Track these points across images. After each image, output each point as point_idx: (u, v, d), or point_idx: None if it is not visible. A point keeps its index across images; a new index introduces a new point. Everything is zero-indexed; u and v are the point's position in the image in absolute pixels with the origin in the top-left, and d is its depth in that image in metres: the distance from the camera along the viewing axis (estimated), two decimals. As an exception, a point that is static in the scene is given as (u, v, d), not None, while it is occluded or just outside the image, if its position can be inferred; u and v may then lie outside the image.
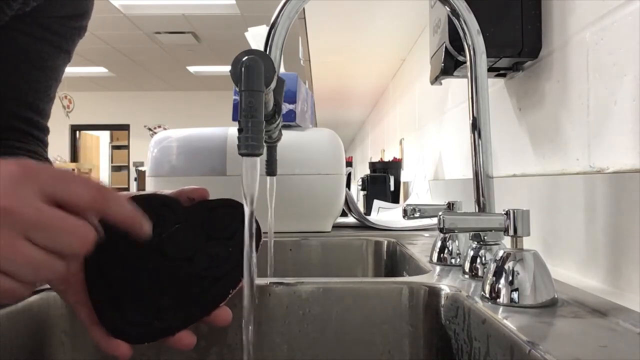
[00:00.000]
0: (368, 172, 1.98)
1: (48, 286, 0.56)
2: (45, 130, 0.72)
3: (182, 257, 0.50)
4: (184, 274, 0.49)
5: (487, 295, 0.49)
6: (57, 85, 0.72)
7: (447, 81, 1.07)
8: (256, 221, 0.51)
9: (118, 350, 0.47)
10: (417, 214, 0.75)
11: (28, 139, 0.69)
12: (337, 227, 1.24)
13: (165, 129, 1.89)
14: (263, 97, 0.41)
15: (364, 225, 1.23)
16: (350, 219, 1.32)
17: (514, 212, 0.51)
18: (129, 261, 0.49)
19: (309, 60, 2.28)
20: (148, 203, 0.52)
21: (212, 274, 0.49)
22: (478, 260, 0.61)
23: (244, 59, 0.41)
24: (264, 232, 0.55)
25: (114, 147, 11.89)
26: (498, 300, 0.48)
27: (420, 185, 1.64)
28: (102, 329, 0.47)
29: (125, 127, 11.18)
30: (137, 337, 0.47)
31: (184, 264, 0.49)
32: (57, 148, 10.20)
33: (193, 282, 0.49)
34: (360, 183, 1.88)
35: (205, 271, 0.49)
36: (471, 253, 0.62)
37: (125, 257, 0.49)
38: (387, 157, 2.74)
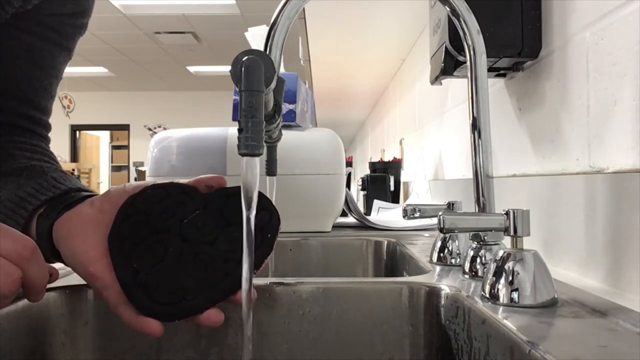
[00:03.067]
0: (368, 172, 1.98)
1: (48, 286, 0.56)
2: (48, 127, 0.72)
3: (203, 241, 0.51)
4: (207, 257, 0.51)
5: (487, 295, 0.49)
6: (58, 83, 0.72)
7: (447, 81, 1.07)
8: (274, 207, 0.52)
9: (149, 328, 0.49)
10: (417, 214, 0.75)
11: (31, 135, 0.69)
12: (337, 227, 1.24)
13: (165, 129, 1.89)
14: (263, 97, 0.41)
15: (364, 225, 1.23)
16: (350, 219, 1.32)
17: (514, 212, 0.51)
18: (151, 245, 0.51)
19: (309, 60, 2.28)
20: (167, 190, 0.53)
21: (235, 257, 0.50)
22: (478, 260, 0.61)
23: (244, 59, 0.41)
24: None
25: (114, 147, 11.89)
26: (498, 300, 0.48)
27: (420, 185, 1.64)
28: (131, 308, 0.49)
29: (125, 127, 11.18)
30: (166, 315, 0.49)
31: (205, 248, 0.51)
32: (57, 148, 10.13)
33: (217, 265, 0.50)
34: (360, 183, 1.88)
35: (227, 254, 0.51)
36: (471, 253, 0.62)
37: (147, 242, 0.51)
38: (387, 157, 2.74)
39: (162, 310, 0.49)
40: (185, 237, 0.51)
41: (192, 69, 8.92)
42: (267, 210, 0.52)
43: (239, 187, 0.53)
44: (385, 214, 1.54)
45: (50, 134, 0.74)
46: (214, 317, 0.50)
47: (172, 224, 0.52)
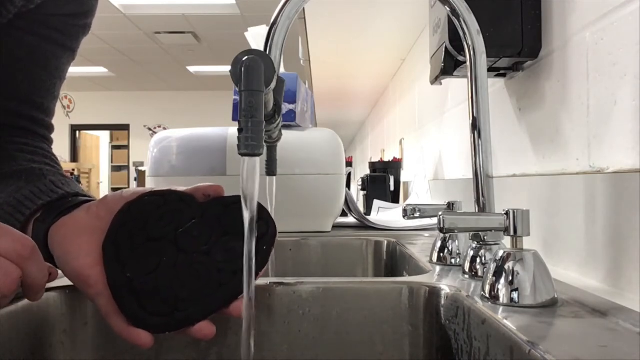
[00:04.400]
0: (368, 172, 1.98)
1: (47, 286, 0.56)
2: (50, 128, 0.72)
3: (198, 250, 0.51)
4: (202, 267, 0.50)
5: (487, 295, 0.49)
6: (62, 84, 0.72)
7: (447, 81, 1.07)
8: (271, 218, 0.52)
9: (140, 339, 0.48)
10: (417, 214, 0.75)
11: (33, 136, 0.69)
12: (337, 227, 1.24)
13: (165, 129, 1.89)
14: (263, 97, 0.41)
15: (364, 225, 1.23)
16: (350, 219, 1.32)
17: (514, 212, 0.51)
18: (146, 254, 0.50)
19: (309, 60, 2.28)
20: (165, 198, 0.53)
21: (230, 267, 0.50)
22: (478, 260, 0.61)
23: (244, 59, 0.41)
24: None
25: (114, 147, 11.89)
26: (498, 300, 0.48)
27: (420, 185, 1.64)
28: (122, 318, 0.49)
29: (125, 127, 11.17)
30: (157, 327, 0.49)
31: (200, 258, 0.50)
32: (57, 148, 10.01)
33: (211, 275, 0.50)
34: (360, 183, 1.88)
35: (222, 264, 0.50)
36: (471, 253, 0.62)
37: (142, 250, 0.51)
38: (387, 157, 2.74)
39: (154, 321, 0.48)
40: (181, 246, 0.51)
41: (192, 69, 8.92)
42: (264, 220, 0.51)
43: (237, 196, 0.53)
44: (385, 214, 1.54)
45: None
46: (205, 329, 0.49)
47: (167, 232, 0.51)
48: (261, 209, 0.51)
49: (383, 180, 1.84)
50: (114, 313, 0.49)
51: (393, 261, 1.02)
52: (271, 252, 0.51)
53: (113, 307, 0.49)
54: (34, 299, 0.47)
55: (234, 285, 0.49)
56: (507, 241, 0.53)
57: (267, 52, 0.53)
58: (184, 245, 0.51)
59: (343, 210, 1.22)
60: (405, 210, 0.75)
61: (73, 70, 0.72)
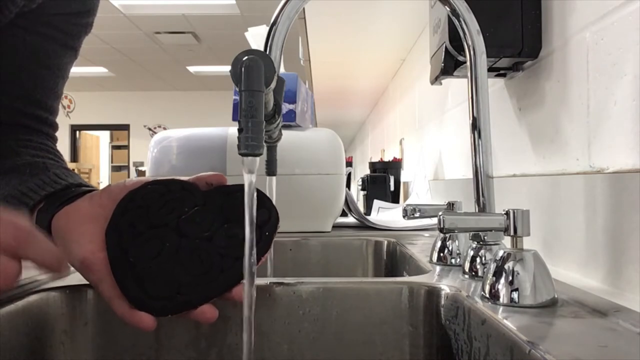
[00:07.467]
0: (368, 172, 1.98)
1: (47, 286, 0.56)
2: (54, 126, 0.73)
3: (200, 236, 0.51)
4: (204, 253, 0.50)
5: (487, 295, 0.49)
6: (64, 82, 0.72)
7: (447, 81, 1.07)
8: (273, 206, 0.52)
9: (142, 322, 0.49)
10: (417, 214, 0.75)
11: (38, 134, 0.70)
12: (337, 227, 1.24)
13: (165, 129, 1.89)
14: (263, 97, 0.41)
15: (364, 225, 1.23)
16: (350, 219, 1.32)
17: (514, 212, 0.51)
18: (148, 240, 0.51)
19: (309, 60, 2.28)
20: (167, 186, 0.53)
21: (232, 253, 0.50)
22: (478, 260, 0.61)
23: (244, 59, 0.41)
24: None
25: (114, 147, 11.89)
26: (498, 300, 0.48)
27: (420, 185, 1.64)
28: (125, 302, 0.49)
29: (125, 127, 11.17)
30: (160, 310, 0.49)
31: (203, 244, 0.51)
32: (58, 148, 10.16)
33: (213, 261, 0.50)
34: (360, 183, 1.88)
35: (224, 250, 0.51)
36: (471, 253, 0.62)
37: (144, 236, 0.51)
38: (387, 157, 2.74)
39: (156, 304, 0.49)
40: (183, 233, 0.51)
41: (192, 69, 8.91)
42: (266, 208, 0.52)
43: (239, 185, 0.53)
44: (385, 214, 1.54)
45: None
46: (208, 313, 0.49)
47: (170, 219, 0.52)
48: (263, 197, 0.52)
49: (383, 180, 1.84)
50: (117, 297, 0.49)
51: (393, 261, 1.02)
52: (273, 239, 0.52)
53: (116, 291, 0.49)
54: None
55: (235, 271, 0.50)
56: (507, 241, 0.53)
57: (267, 52, 0.53)
58: (186, 232, 0.51)
59: (343, 210, 1.22)
60: (405, 210, 0.75)
61: (73, 70, 0.73)
